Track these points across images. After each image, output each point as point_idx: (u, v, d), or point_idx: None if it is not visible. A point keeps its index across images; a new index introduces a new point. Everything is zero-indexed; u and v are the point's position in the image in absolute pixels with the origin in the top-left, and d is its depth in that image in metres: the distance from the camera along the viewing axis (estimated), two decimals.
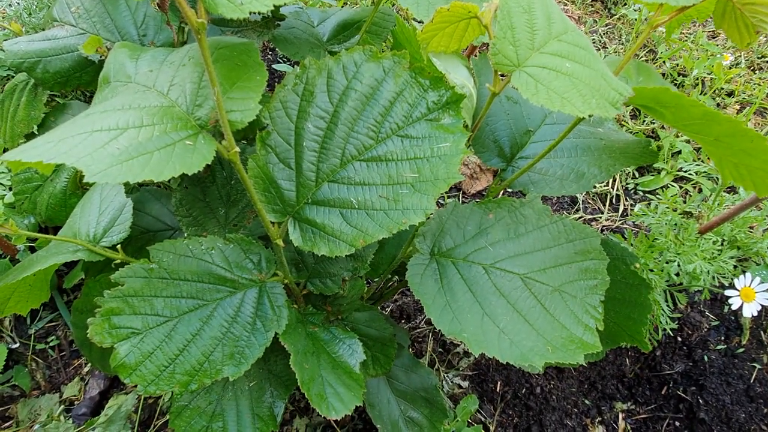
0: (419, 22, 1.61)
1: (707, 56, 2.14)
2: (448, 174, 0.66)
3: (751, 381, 1.38)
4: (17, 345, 1.47)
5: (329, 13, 1.16)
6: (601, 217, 1.79)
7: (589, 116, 0.61)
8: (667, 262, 1.16)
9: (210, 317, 0.73)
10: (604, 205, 1.83)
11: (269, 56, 2.13)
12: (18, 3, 1.57)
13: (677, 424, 1.37)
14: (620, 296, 0.91)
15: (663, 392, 1.42)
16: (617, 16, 2.49)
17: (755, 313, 1.10)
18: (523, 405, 1.38)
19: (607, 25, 2.45)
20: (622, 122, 1.99)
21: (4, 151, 1.31)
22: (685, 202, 1.67)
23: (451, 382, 1.40)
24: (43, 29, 1.10)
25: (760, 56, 2.26)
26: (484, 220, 0.81)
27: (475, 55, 1.12)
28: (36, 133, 1.22)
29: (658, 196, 1.80)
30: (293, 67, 1.97)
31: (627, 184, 1.88)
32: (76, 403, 1.37)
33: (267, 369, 0.91)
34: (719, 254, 1.16)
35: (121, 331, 0.68)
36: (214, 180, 0.93)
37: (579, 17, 2.49)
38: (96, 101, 0.71)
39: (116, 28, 1.07)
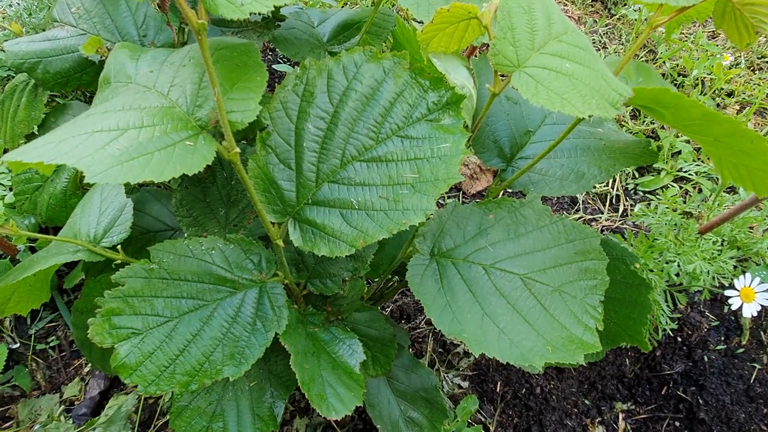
0: (419, 22, 1.61)
1: (707, 56, 2.14)
2: (448, 174, 0.66)
3: (751, 381, 1.38)
4: (17, 345, 1.47)
5: (329, 13, 1.17)
6: (601, 218, 1.79)
7: (589, 117, 0.61)
8: (667, 263, 1.16)
9: (210, 317, 0.73)
10: (604, 206, 1.83)
11: (269, 57, 2.13)
12: (18, 3, 1.58)
13: (677, 424, 1.37)
14: (620, 296, 0.91)
15: (663, 392, 1.42)
16: (617, 17, 2.50)
17: (755, 314, 1.10)
18: (523, 405, 1.38)
19: (607, 26, 2.45)
20: (622, 122, 1.99)
21: (5, 151, 1.31)
22: (685, 203, 1.67)
23: (451, 382, 1.40)
24: (44, 30, 1.10)
25: (760, 56, 2.26)
26: (484, 221, 0.81)
27: (475, 56, 1.13)
28: (36, 133, 1.22)
29: (658, 196, 1.80)
30: (293, 67, 1.97)
31: (627, 184, 1.88)
32: (76, 403, 1.38)
33: (267, 369, 0.91)
34: (719, 254, 1.16)
35: (121, 331, 0.68)
36: (214, 180, 0.93)
37: (579, 17, 2.49)
38: (96, 102, 0.71)
39: (116, 29, 1.07)
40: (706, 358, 1.42)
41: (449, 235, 0.81)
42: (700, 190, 1.79)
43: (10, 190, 1.49)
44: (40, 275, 0.87)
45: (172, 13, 1.05)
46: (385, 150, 0.68)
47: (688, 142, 1.91)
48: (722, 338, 1.46)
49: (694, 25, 2.41)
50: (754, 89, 2.09)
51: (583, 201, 1.84)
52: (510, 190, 1.50)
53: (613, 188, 1.87)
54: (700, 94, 2.08)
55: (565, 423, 1.36)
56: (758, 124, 2.03)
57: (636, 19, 2.40)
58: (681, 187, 1.82)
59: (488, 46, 0.65)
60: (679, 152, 1.89)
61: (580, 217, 1.80)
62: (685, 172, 1.83)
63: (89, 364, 1.44)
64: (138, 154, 0.54)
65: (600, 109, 0.62)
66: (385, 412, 1.10)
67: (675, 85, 2.15)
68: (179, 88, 0.66)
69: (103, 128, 0.57)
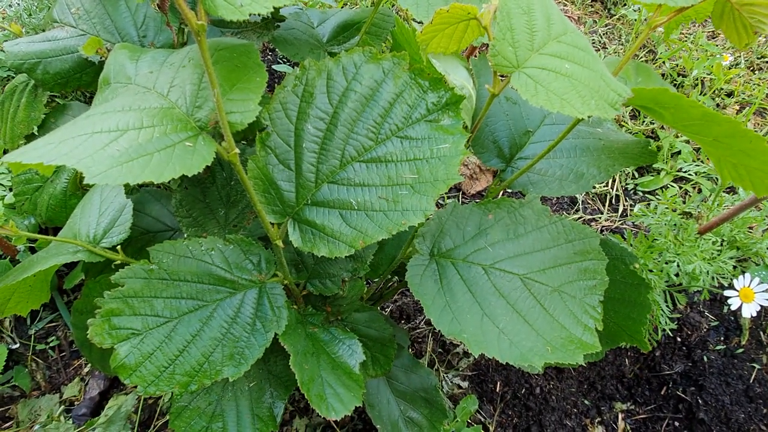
0: (419, 23, 1.61)
1: (707, 57, 2.14)
2: (448, 175, 0.66)
3: (751, 381, 1.38)
4: (17, 345, 1.47)
5: (329, 14, 1.17)
6: (600, 218, 1.79)
7: (588, 117, 0.61)
8: (666, 263, 1.16)
9: (210, 318, 0.73)
10: (604, 206, 1.83)
11: (269, 57, 2.14)
12: (18, 4, 1.58)
13: (677, 424, 1.37)
14: (620, 296, 0.91)
15: (662, 392, 1.42)
16: (617, 17, 2.50)
17: (754, 314, 1.10)
18: (523, 405, 1.38)
19: (606, 26, 2.45)
20: (622, 123, 2.00)
21: (5, 152, 1.31)
22: (684, 203, 1.67)
23: (451, 382, 1.40)
24: (44, 30, 1.11)
25: (759, 56, 2.26)
26: (483, 221, 0.81)
27: (475, 56, 1.13)
28: (36, 134, 1.22)
29: (657, 196, 1.80)
30: (293, 67, 1.97)
31: (626, 184, 1.88)
32: (76, 403, 1.38)
33: (267, 369, 0.91)
34: (719, 255, 1.16)
35: (121, 332, 0.68)
36: (214, 181, 0.93)
37: (579, 18, 2.49)
38: (96, 102, 0.71)
39: (116, 30, 1.07)
40: (705, 359, 1.42)
41: (449, 236, 0.81)
42: (699, 191, 1.79)
43: (10, 190, 1.49)
44: (40, 276, 0.87)
45: (171, 13, 1.05)
46: (384, 150, 0.69)
47: (687, 142, 1.91)
48: (722, 338, 1.46)
49: (694, 25, 2.41)
50: (753, 89, 2.10)
51: (582, 201, 1.84)
52: (509, 191, 1.50)
53: (612, 188, 1.87)
54: (700, 94, 2.08)
55: (564, 423, 1.36)
56: (758, 124, 2.03)
57: (635, 20, 2.41)
58: (681, 188, 1.82)
59: (488, 46, 0.65)
60: (679, 152, 1.89)
61: (579, 218, 1.80)
62: (685, 172, 1.83)
63: (89, 365, 1.44)
64: (138, 155, 0.54)
65: (599, 110, 0.62)
66: (385, 412, 1.10)
67: (675, 85, 2.15)
68: (179, 88, 0.66)
69: (103, 129, 0.57)
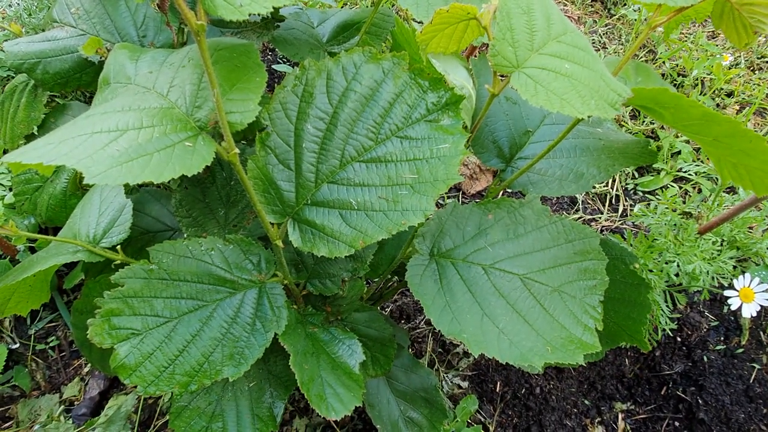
0: (419, 22, 1.61)
1: (707, 56, 2.14)
2: (448, 175, 0.66)
3: (751, 381, 1.38)
4: (17, 345, 1.47)
5: (329, 14, 1.17)
6: (600, 218, 1.79)
7: (588, 117, 0.61)
8: (666, 263, 1.16)
9: (210, 318, 0.73)
10: (604, 206, 1.83)
11: (269, 57, 2.14)
12: (18, 4, 1.58)
13: (677, 424, 1.37)
14: (620, 296, 0.91)
15: (662, 392, 1.42)
16: (617, 17, 2.50)
17: (754, 314, 1.10)
18: (523, 405, 1.38)
19: (606, 26, 2.45)
20: (622, 122, 2.00)
21: (5, 152, 1.31)
22: (684, 203, 1.67)
23: (451, 382, 1.40)
24: (43, 30, 1.11)
25: (759, 56, 2.26)
26: (483, 221, 0.81)
27: (475, 56, 1.13)
28: (36, 134, 1.22)
29: (657, 196, 1.80)
30: (293, 67, 1.97)
31: (626, 184, 1.88)
32: (76, 403, 1.38)
33: (267, 369, 0.91)
34: (719, 255, 1.16)
35: (120, 332, 0.68)
36: (213, 181, 0.93)
37: (579, 17, 2.49)
38: (96, 102, 0.71)
39: (116, 29, 1.07)
40: (705, 359, 1.42)
41: (449, 236, 0.81)
42: (699, 191, 1.79)
43: (10, 190, 1.49)
44: (40, 276, 0.87)
45: (171, 13, 1.05)
46: (384, 150, 0.69)
47: (687, 142, 1.91)
48: (722, 338, 1.46)
49: (694, 25, 2.41)
50: (753, 89, 2.10)
51: (582, 201, 1.84)
52: (509, 190, 1.50)
53: (612, 188, 1.87)
54: (700, 94, 2.08)
55: (564, 423, 1.36)
56: (758, 124, 2.03)
57: (635, 19, 2.41)
58: (681, 187, 1.82)
59: (488, 46, 0.65)
60: (679, 152, 1.89)
61: (579, 217, 1.80)
62: (685, 172, 1.83)
63: (89, 365, 1.44)
64: (137, 155, 0.54)
65: (599, 110, 0.62)
66: (385, 412, 1.10)
67: (674, 85, 2.15)
68: (178, 88, 0.66)
69: (103, 129, 0.57)
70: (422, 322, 1.53)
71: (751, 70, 2.22)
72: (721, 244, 1.21)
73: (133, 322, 0.69)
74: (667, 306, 1.24)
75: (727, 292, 1.12)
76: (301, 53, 1.03)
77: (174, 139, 0.59)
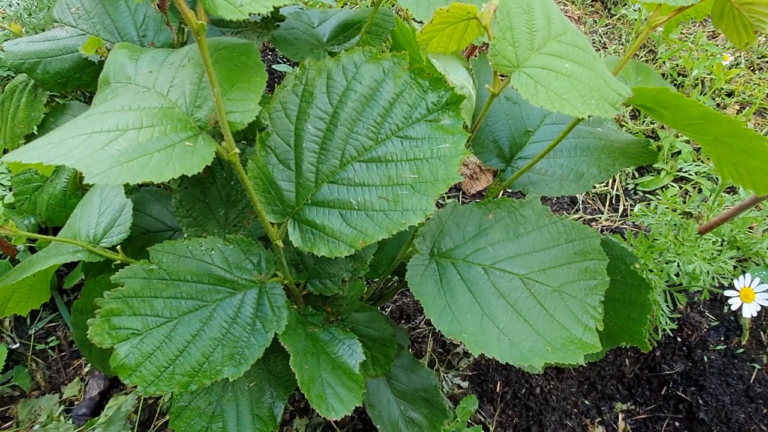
0: (419, 22, 1.61)
1: (707, 56, 2.14)
2: (448, 175, 0.66)
3: (751, 381, 1.38)
4: (17, 345, 1.47)
5: (329, 13, 1.17)
6: (600, 218, 1.79)
7: (588, 117, 0.61)
8: (666, 263, 1.16)
9: (210, 318, 0.73)
10: (604, 206, 1.83)
11: (269, 57, 2.13)
12: (18, 3, 1.58)
13: (677, 424, 1.37)
14: (620, 296, 0.91)
15: (663, 392, 1.42)
16: (617, 17, 2.50)
17: (755, 314, 1.10)
18: (523, 405, 1.38)
19: (606, 26, 2.45)
20: (622, 122, 1.99)
21: (4, 152, 1.31)
22: (684, 203, 1.67)
23: (451, 382, 1.40)
24: (43, 30, 1.11)
25: (759, 56, 2.26)
26: (483, 221, 0.81)
27: (475, 56, 1.13)
28: (36, 134, 1.22)
29: (657, 196, 1.80)
30: (293, 67, 1.97)
31: (627, 184, 1.88)
32: (76, 403, 1.38)
33: (267, 369, 0.91)
34: (719, 255, 1.16)
35: (121, 332, 0.68)
36: (214, 181, 0.93)
37: (579, 17, 2.49)
38: (96, 102, 0.71)
39: (116, 29, 1.07)
40: (705, 359, 1.42)
41: (449, 236, 0.81)
42: (700, 190, 1.79)
43: (10, 190, 1.49)
44: (40, 275, 0.87)
45: (171, 13, 1.05)
46: (384, 150, 0.68)
47: (688, 142, 1.91)
48: (722, 338, 1.46)
49: (694, 25, 2.41)
50: (754, 89, 2.09)
51: (582, 201, 1.84)
52: (510, 190, 1.50)
53: (612, 188, 1.87)
54: (700, 94, 2.08)
55: (564, 423, 1.36)
56: (758, 124, 2.03)
57: (636, 19, 2.40)
58: (681, 187, 1.82)
59: (488, 46, 0.65)
60: (679, 152, 1.89)
61: (579, 217, 1.80)
62: (685, 172, 1.83)
63: (89, 365, 1.44)
64: (137, 154, 0.54)
65: (599, 109, 0.62)
66: (385, 412, 1.10)
67: (675, 85, 2.15)
68: (178, 88, 0.66)
69: (103, 129, 0.57)
70: (422, 322, 1.53)
71: (752, 70, 2.22)
72: (722, 244, 1.21)
73: (133, 322, 0.69)
74: (668, 306, 1.24)
75: (727, 292, 1.12)
76: (301, 53, 1.03)
77: (174, 138, 0.59)
